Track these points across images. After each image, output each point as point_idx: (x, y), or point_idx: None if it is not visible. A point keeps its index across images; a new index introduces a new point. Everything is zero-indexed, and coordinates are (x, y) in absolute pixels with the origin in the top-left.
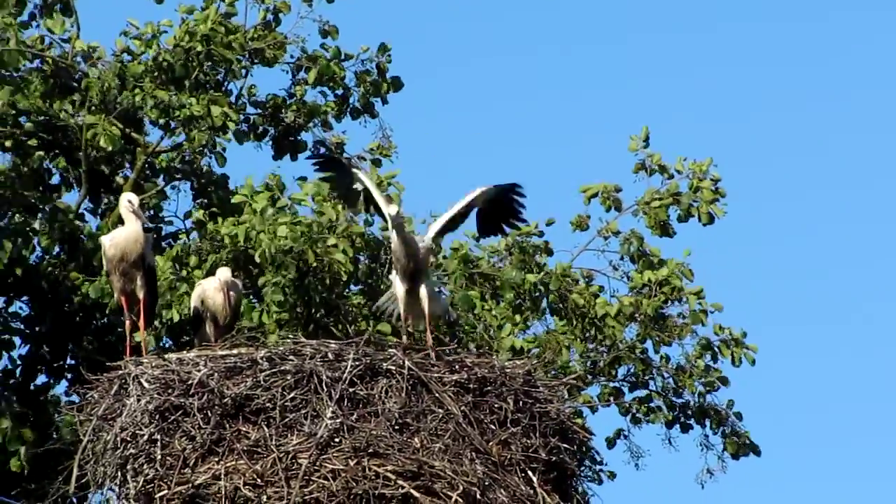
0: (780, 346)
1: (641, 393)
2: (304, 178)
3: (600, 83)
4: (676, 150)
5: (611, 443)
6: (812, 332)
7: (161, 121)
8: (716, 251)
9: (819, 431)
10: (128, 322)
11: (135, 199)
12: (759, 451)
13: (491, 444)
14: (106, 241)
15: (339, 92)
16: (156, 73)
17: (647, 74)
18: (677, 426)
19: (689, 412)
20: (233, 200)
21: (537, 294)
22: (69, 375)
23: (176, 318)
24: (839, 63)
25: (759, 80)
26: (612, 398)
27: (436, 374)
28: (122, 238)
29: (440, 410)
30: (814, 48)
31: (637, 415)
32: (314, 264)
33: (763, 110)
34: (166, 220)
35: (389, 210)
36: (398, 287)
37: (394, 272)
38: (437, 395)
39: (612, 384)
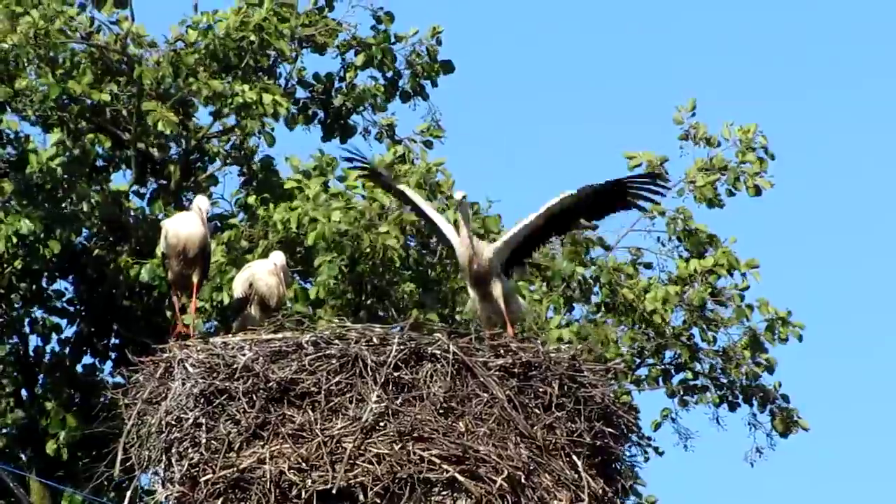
0: (828, 320)
1: (688, 374)
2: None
3: (645, 61)
4: (721, 120)
5: (656, 425)
6: (861, 306)
7: (213, 107)
8: (764, 221)
9: (869, 407)
10: (178, 304)
11: (206, 205)
12: (808, 428)
13: (535, 428)
14: (169, 228)
15: (389, 75)
16: (208, 61)
17: (695, 49)
18: (724, 405)
19: (736, 392)
20: (285, 185)
21: (587, 286)
22: (114, 355)
23: (226, 300)
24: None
25: (809, 51)
26: (658, 380)
27: (481, 359)
28: (185, 234)
29: (485, 395)
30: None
31: (684, 397)
32: (367, 250)
33: (813, 85)
34: (214, 201)
35: (456, 195)
36: (471, 294)
37: (466, 282)
38: (481, 379)
39: (658, 367)
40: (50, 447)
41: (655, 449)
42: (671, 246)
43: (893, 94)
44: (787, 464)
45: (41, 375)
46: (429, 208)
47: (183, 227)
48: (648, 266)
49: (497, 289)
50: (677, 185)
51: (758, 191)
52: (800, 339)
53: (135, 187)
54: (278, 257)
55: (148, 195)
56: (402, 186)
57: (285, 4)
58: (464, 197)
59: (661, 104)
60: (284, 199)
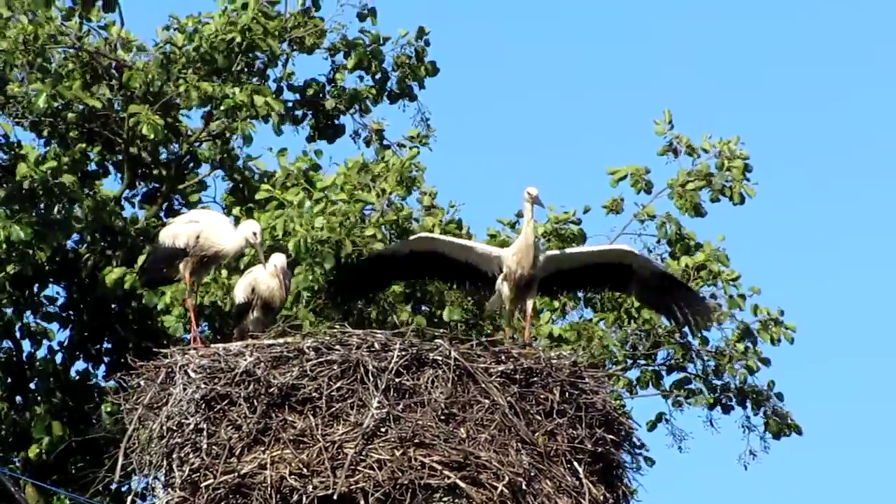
0: (819, 322)
1: (680, 375)
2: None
3: (627, 72)
4: (701, 132)
5: (651, 426)
6: (851, 305)
7: (203, 110)
8: (748, 230)
9: (861, 409)
10: (189, 300)
11: (258, 230)
12: (801, 431)
13: (537, 434)
14: (206, 231)
15: (378, 76)
16: (198, 65)
17: (672, 62)
18: (718, 408)
19: (730, 394)
20: (257, 196)
21: None
22: (107, 359)
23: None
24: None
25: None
26: (650, 382)
27: (482, 365)
28: (228, 249)
29: (486, 401)
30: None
31: (678, 398)
32: (353, 255)
33: (793, 95)
34: (203, 206)
35: (532, 191)
36: (504, 291)
37: (500, 279)
38: (483, 385)
39: (651, 368)
40: (32, 451)
41: (648, 460)
42: (660, 250)
43: (878, 102)
44: (780, 466)
45: (35, 381)
46: (462, 241)
47: (226, 242)
48: None
49: (533, 294)
50: (665, 190)
51: (742, 199)
52: (791, 341)
53: (126, 193)
54: (279, 259)
55: (139, 200)
56: (424, 234)
57: (272, 3)
58: (538, 194)
59: (645, 109)
60: (262, 207)
